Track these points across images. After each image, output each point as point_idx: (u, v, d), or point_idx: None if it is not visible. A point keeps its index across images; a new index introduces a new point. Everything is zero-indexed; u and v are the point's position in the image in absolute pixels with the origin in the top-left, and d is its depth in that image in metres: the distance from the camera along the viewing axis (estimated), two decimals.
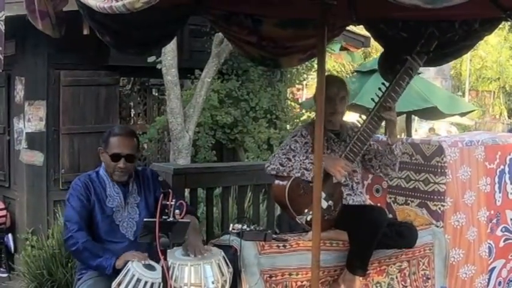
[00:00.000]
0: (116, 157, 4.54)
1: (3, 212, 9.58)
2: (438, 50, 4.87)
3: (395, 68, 4.95)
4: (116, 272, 4.18)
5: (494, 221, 5.90)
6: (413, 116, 13.69)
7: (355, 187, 5.14)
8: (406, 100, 9.83)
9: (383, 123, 5.05)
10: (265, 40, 5.08)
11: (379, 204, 5.82)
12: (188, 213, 4.38)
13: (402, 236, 5.10)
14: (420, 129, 24.01)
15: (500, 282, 6.04)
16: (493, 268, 5.95)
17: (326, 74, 4.72)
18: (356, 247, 4.87)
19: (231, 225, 4.89)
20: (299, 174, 4.74)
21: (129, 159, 4.55)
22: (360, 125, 4.91)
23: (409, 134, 13.19)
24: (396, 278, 5.30)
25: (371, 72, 11.22)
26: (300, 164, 4.74)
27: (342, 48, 13.06)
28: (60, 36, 4.15)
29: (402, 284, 5.33)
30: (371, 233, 4.79)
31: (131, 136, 4.67)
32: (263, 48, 5.15)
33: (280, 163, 4.81)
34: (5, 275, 9.17)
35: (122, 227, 4.58)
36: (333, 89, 4.95)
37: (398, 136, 5.17)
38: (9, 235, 9.56)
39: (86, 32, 7.51)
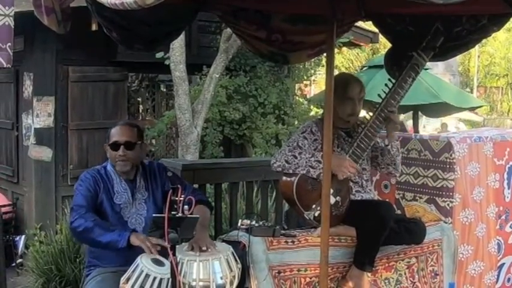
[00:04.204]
0: (115, 146, 4.59)
1: (9, 208, 9.60)
2: (444, 43, 4.85)
3: (401, 64, 4.94)
4: (129, 246, 4.17)
5: (503, 217, 5.89)
6: (420, 112, 13.70)
7: (364, 184, 5.13)
8: (414, 95, 9.84)
9: None
10: (274, 34, 5.07)
11: (387, 200, 5.81)
12: (199, 203, 4.40)
13: (410, 232, 5.10)
14: (428, 126, 23.99)
15: (509, 278, 6.03)
16: (502, 264, 5.94)
17: (342, 72, 4.71)
18: (363, 243, 4.87)
19: (240, 220, 4.88)
20: (304, 172, 4.73)
21: (128, 146, 4.57)
22: (366, 121, 4.90)
23: (416, 131, 13.18)
24: (405, 274, 5.30)
25: (379, 67, 11.21)
26: (306, 162, 4.73)
27: (351, 44, 13.03)
28: (65, 33, 4.15)
29: (411, 280, 5.32)
30: (378, 229, 4.79)
31: (130, 126, 4.73)
32: (272, 43, 5.14)
33: (285, 160, 4.80)
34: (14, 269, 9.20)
35: (130, 223, 4.58)
36: (355, 90, 4.95)
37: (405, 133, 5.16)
38: (22, 237, 9.57)
39: (94, 28, 7.50)
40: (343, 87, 4.82)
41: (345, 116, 4.92)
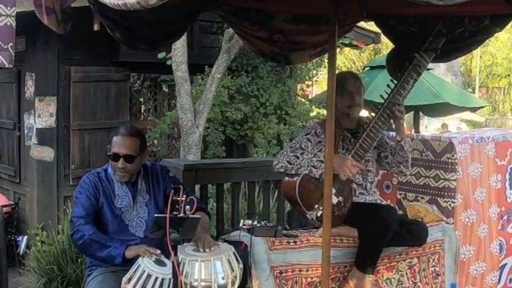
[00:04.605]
0: (115, 157, 4.55)
1: (9, 209, 9.57)
2: (447, 45, 4.85)
3: (403, 65, 4.95)
4: (125, 261, 4.19)
5: (505, 217, 5.89)
6: (421, 113, 13.69)
7: (368, 187, 5.13)
8: (416, 95, 9.83)
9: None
10: (276, 35, 5.06)
11: (389, 201, 5.81)
12: (198, 210, 4.39)
13: (413, 235, 5.11)
14: (430, 126, 23.97)
15: (511, 279, 6.03)
16: (504, 265, 5.94)
17: (339, 71, 4.71)
18: (365, 246, 4.87)
19: (242, 221, 4.89)
20: (307, 172, 4.73)
21: (127, 159, 4.53)
22: (369, 122, 4.91)
23: (416, 131, 13.17)
24: (406, 274, 5.30)
25: (381, 67, 11.21)
26: (308, 162, 4.73)
27: (351, 45, 13.03)
28: (65, 33, 4.15)
29: (412, 281, 5.32)
30: (381, 233, 4.79)
31: (133, 136, 4.62)
32: (274, 43, 5.14)
33: (288, 161, 4.80)
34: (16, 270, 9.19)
35: (131, 227, 4.58)
36: (351, 82, 5.01)
37: (406, 132, 5.17)
38: (24, 237, 9.54)
39: (96, 28, 7.45)
40: (341, 83, 4.81)
41: (344, 109, 4.93)
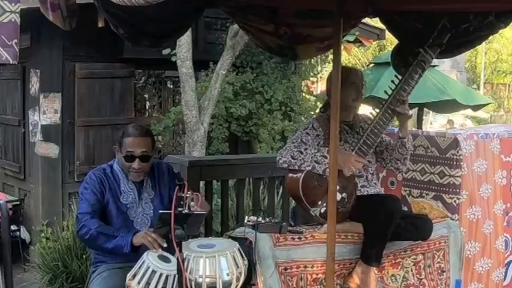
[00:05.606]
0: (129, 158, 4.53)
1: (9, 205, 9.58)
2: (451, 40, 4.85)
3: (408, 60, 4.94)
4: (134, 250, 4.20)
5: (511, 214, 5.87)
6: (427, 109, 13.66)
7: (369, 178, 5.12)
8: (423, 92, 9.82)
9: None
10: (283, 28, 5.05)
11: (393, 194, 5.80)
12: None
13: (417, 228, 5.09)
14: (435, 122, 23.94)
15: None
16: (510, 262, 5.92)
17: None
18: (371, 237, 4.86)
19: (246, 217, 4.88)
20: (310, 168, 4.71)
21: (143, 159, 4.53)
22: (373, 118, 4.90)
23: (419, 128, 13.14)
24: (411, 270, 5.29)
25: (387, 64, 11.19)
26: (311, 157, 4.72)
27: (357, 41, 13.01)
28: (70, 29, 4.15)
29: (417, 277, 5.32)
30: (386, 222, 4.78)
31: (145, 136, 4.62)
32: (280, 37, 5.13)
33: (291, 156, 4.79)
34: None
35: (136, 223, 4.58)
36: (356, 76, 5.01)
37: (409, 129, 5.17)
38: (21, 227, 9.57)
39: (101, 24, 7.51)
40: (345, 75, 4.79)
41: (349, 101, 4.93)
